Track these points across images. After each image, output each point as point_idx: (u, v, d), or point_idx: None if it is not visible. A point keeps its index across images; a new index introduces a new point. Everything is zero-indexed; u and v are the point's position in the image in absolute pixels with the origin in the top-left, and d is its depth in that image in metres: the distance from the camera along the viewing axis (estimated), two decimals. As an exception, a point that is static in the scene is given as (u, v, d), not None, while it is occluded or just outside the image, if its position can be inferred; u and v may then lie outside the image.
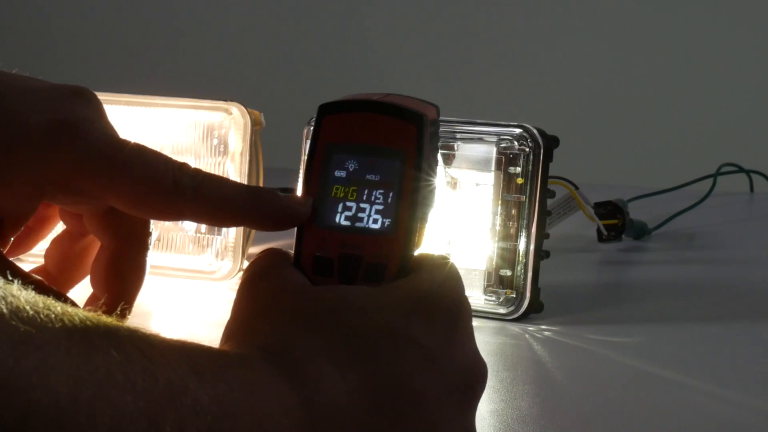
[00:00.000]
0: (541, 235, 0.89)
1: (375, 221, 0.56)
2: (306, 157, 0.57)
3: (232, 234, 0.99)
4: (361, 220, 0.56)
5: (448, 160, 0.92)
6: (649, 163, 2.79)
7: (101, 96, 1.03)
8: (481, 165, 0.90)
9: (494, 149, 0.90)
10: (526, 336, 0.86)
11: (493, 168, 0.90)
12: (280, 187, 1.15)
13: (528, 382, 0.76)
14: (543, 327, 0.88)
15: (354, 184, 0.56)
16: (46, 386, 0.37)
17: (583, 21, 2.91)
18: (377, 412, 0.48)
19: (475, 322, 0.90)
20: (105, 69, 3.00)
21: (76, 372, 0.39)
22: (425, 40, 2.96)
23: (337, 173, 0.56)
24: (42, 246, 1.05)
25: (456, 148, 0.92)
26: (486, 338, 0.86)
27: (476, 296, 0.90)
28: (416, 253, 0.56)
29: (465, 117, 0.92)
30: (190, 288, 0.98)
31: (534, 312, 0.89)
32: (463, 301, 0.54)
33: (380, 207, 0.56)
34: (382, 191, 0.56)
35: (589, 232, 1.25)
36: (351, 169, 0.56)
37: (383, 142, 0.56)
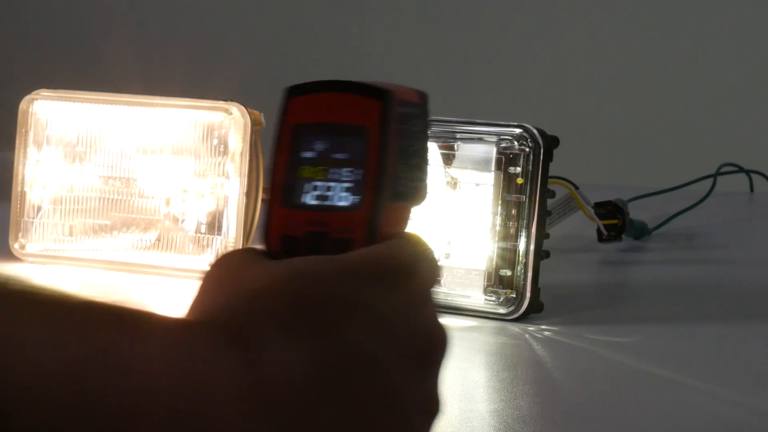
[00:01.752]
0: (541, 235, 0.89)
1: (342, 199, 0.55)
2: (274, 139, 0.58)
3: (232, 234, 0.99)
4: (328, 198, 0.55)
5: (448, 160, 0.92)
6: (649, 163, 2.79)
7: (101, 96, 1.04)
8: (481, 165, 0.90)
9: (494, 149, 0.90)
10: (526, 336, 0.86)
11: (493, 168, 0.90)
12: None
13: (528, 382, 0.76)
14: (543, 327, 0.88)
15: (321, 163, 0.56)
16: None
17: (584, 21, 2.91)
18: (327, 376, 0.46)
19: (475, 322, 0.90)
20: (105, 69, 3.00)
21: None
22: (425, 41, 2.96)
23: (304, 154, 0.56)
24: (43, 245, 1.05)
25: (456, 148, 0.92)
26: (486, 338, 0.86)
27: (476, 296, 0.90)
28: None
29: (465, 117, 0.92)
30: (190, 288, 0.98)
31: (534, 312, 0.89)
32: (421, 266, 0.53)
33: (348, 185, 0.55)
34: (349, 169, 0.55)
35: (589, 232, 1.25)
36: (318, 149, 0.56)
37: (349, 119, 0.56)
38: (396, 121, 0.56)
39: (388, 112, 0.56)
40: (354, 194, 0.55)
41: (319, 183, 0.56)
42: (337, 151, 0.56)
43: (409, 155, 0.57)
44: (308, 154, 0.56)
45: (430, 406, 0.51)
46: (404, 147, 0.57)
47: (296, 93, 0.57)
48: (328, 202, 0.55)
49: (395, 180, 0.56)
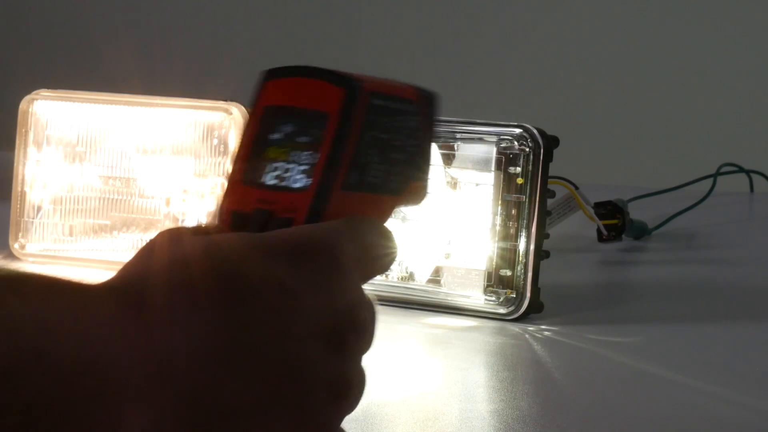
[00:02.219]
0: (541, 235, 0.89)
1: (296, 180, 0.56)
2: (246, 119, 0.59)
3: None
4: (285, 179, 0.56)
5: (448, 160, 0.92)
6: (649, 163, 2.79)
7: (101, 96, 1.04)
8: (481, 165, 0.90)
9: (494, 149, 0.90)
10: (526, 336, 0.86)
11: (493, 168, 0.90)
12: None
13: (528, 382, 0.76)
14: (543, 327, 0.88)
15: (286, 145, 0.57)
16: None
17: (583, 21, 2.91)
18: (230, 349, 0.47)
19: (475, 322, 0.90)
20: (105, 69, 3.00)
21: None
22: (425, 40, 2.96)
23: (272, 135, 0.57)
24: (43, 245, 1.05)
25: (456, 148, 0.92)
26: (486, 338, 0.86)
27: (476, 296, 0.90)
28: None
29: (465, 117, 0.92)
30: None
31: (534, 312, 0.89)
32: (347, 248, 0.52)
33: (305, 167, 0.56)
34: (309, 153, 0.56)
35: (589, 232, 1.25)
36: (284, 131, 0.57)
37: (313, 105, 0.57)
38: (365, 111, 0.57)
39: (350, 100, 0.56)
40: (307, 177, 0.56)
41: (279, 164, 0.56)
42: (301, 134, 0.57)
43: (389, 149, 0.58)
44: (275, 136, 0.57)
45: (340, 389, 0.50)
46: (382, 140, 0.58)
47: (271, 76, 0.59)
48: (283, 183, 0.56)
49: (362, 169, 0.57)
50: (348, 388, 0.51)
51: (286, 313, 0.48)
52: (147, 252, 0.50)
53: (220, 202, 0.57)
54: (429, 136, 0.62)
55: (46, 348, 0.42)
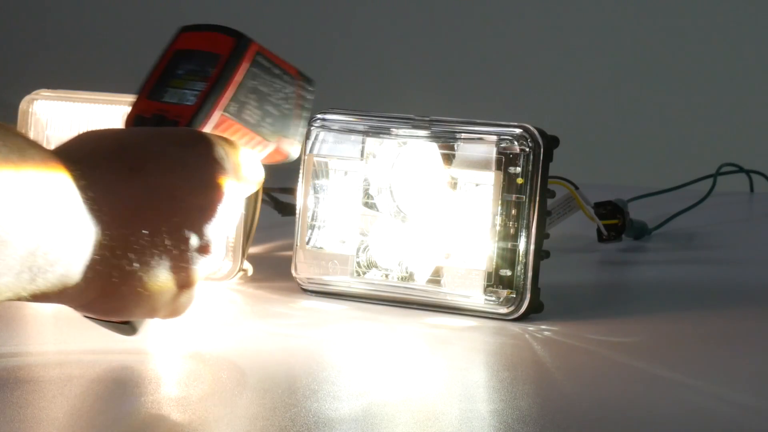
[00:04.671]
0: (541, 235, 0.89)
1: (187, 99, 0.75)
2: (159, 56, 0.78)
3: (231, 234, 0.99)
4: (179, 98, 0.75)
5: (448, 160, 0.92)
6: (649, 163, 2.79)
7: (101, 96, 1.04)
8: (481, 165, 0.90)
9: (494, 149, 0.90)
10: (526, 336, 0.86)
11: (493, 168, 0.90)
12: (281, 187, 1.15)
13: (528, 382, 0.76)
14: (543, 327, 0.88)
15: (186, 78, 0.76)
16: None
17: (583, 21, 2.91)
18: (136, 202, 0.66)
19: (475, 322, 0.90)
20: (105, 69, 3.00)
21: None
22: (425, 40, 2.96)
23: (175, 71, 0.77)
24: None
25: (456, 148, 0.92)
26: (486, 338, 0.86)
27: (476, 296, 0.90)
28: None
29: (465, 117, 0.92)
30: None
31: (534, 312, 0.89)
32: (217, 143, 0.71)
33: (196, 92, 0.75)
34: (201, 82, 0.75)
35: (589, 232, 1.25)
36: (186, 68, 0.76)
37: (211, 48, 0.77)
38: (250, 62, 0.76)
39: (238, 47, 0.76)
40: (196, 97, 0.75)
41: (179, 90, 0.76)
42: (198, 70, 0.76)
43: (266, 101, 0.77)
44: (179, 72, 0.77)
45: (206, 245, 0.69)
46: (261, 91, 0.77)
47: (183, 30, 0.79)
48: (177, 100, 0.75)
49: (240, 104, 0.76)
50: (210, 246, 0.69)
51: (175, 180, 0.68)
52: (86, 133, 0.70)
53: (128, 110, 0.77)
54: (301, 107, 0.80)
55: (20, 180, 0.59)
